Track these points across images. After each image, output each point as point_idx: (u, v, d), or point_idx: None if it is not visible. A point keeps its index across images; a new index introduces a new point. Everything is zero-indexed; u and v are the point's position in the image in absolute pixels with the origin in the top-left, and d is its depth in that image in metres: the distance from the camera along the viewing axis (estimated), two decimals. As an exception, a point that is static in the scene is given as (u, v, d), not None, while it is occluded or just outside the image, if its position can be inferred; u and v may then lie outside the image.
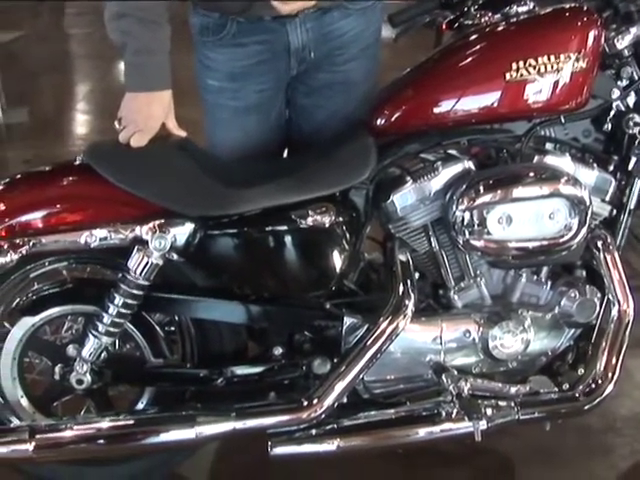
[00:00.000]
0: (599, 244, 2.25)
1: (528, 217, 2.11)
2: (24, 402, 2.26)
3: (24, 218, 2.04)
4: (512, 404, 2.23)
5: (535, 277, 2.30)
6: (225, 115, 2.46)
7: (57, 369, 2.21)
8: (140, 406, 2.30)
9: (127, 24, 2.03)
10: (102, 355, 2.17)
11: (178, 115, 2.17)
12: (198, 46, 2.42)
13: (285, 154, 2.58)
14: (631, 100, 2.27)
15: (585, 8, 2.17)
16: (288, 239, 2.13)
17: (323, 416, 2.10)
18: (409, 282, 2.16)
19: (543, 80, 2.12)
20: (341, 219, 2.14)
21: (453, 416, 2.17)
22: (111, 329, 2.12)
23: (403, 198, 2.17)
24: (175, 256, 2.08)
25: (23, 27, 9.37)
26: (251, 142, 2.45)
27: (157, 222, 2.03)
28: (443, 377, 2.19)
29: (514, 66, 2.10)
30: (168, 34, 2.08)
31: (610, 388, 2.27)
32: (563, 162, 2.18)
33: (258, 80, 2.38)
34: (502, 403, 2.22)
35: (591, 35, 2.13)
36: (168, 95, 2.11)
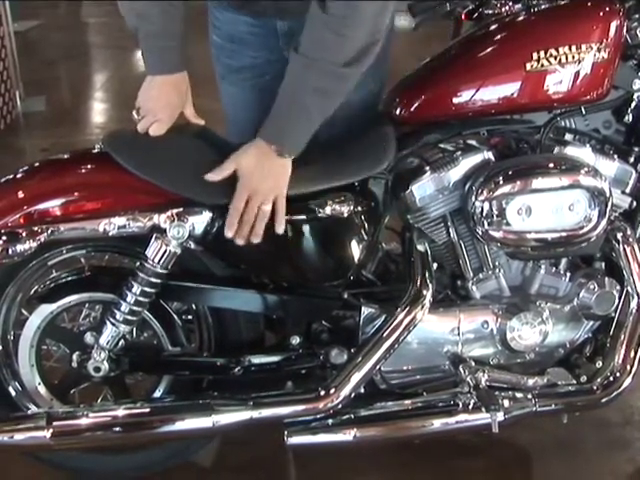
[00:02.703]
0: (619, 236, 2.24)
1: (548, 208, 2.10)
2: (42, 389, 2.27)
3: (42, 206, 2.04)
4: (529, 396, 2.23)
5: (554, 269, 2.29)
6: (222, 70, 2.50)
7: (75, 357, 2.21)
8: (157, 394, 2.31)
9: (141, 6, 2.03)
10: (120, 343, 2.17)
11: (196, 105, 2.17)
12: (209, 4, 2.45)
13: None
14: (652, 91, 2.25)
15: (607, -2, 2.16)
16: (306, 228, 2.12)
17: (340, 406, 2.11)
18: (427, 273, 2.16)
19: (564, 70, 2.11)
20: (360, 209, 2.14)
21: (470, 407, 2.17)
22: (129, 317, 2.13)
23: (422, 188, 2.16)
24: (193, 245, 2.09)
25: (41, 16, 9.38)
26: (247, 99, 2.47)
27: (175, 210, 2.03)
28: (460, 368, 2.19)
29: (535, 56, 2.10)
30: (182, 15, 2.06)
31: (628, 381, 2.27)
32: (583, 153, 2.17)
33: (252, 48, 2.40)
34: (519, 395, 2.23)
35: (613, 25, 2.12)
36: (185, 82, 2.11)
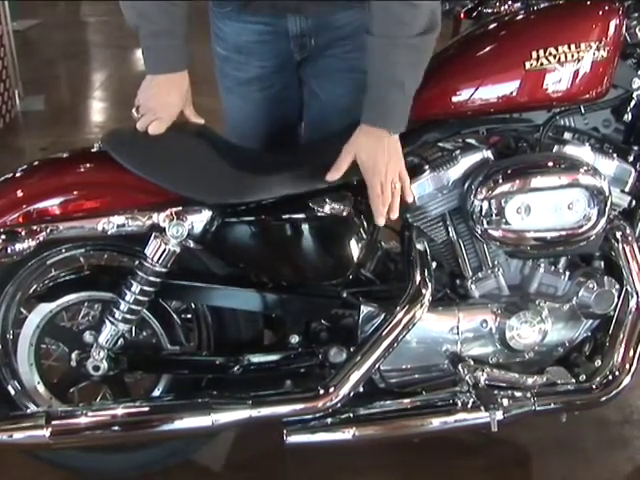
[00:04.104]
0: (618, 235, 2.24)
1: (547, 207, 2.10)
2: (41, 388, 2.27)
3: (41, 205, 2.04)
4: (528, 395, 2.23)
5: (553, 268, 2.29)
6: (229, 83, 2.49)
7: (74, 355, 2.21)
8: (156, 393, 2.30)
9: (142, 5, 2.02)
10: (119, 342, 2.17)
11: (196, 104, 2.17)
12: (211, 14, 2.44)
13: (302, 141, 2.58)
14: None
15: (606, -4, 2.16)
16: (305, 227, 2.12)
17: (339, 405, 2.11)
18: (426, 271, 2.16)
19: (563, 69, 2.11)
20: (359, 208, 2.14)
21: (469, 406, 2.17)
22: (128, 316, 2.12)
23: (421, 187, 2.16)
24: (192, 243, 2.09)
25: (40, 15, 9.40)
26: (256, 111, 2.48)
27: (174, 209, 2.03)
28: (459, 367, 2.19)
29: (534, 55, 2.09)
30: (184, 14, 2.06)
31: (627, 380, 2.26)
32: (582, 152, 2.17)
33: (260, 57, 2.40)
34: (518, 394, 2.23)
35: (612, 24, 2.12)
36: (185, 82, 2.11)
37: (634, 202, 2.28)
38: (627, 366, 2.26)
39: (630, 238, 2.24)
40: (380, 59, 2.00)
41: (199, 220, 2.05)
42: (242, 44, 2.39)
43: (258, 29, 2.35)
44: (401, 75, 1.99)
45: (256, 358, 2.24)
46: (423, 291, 2.12)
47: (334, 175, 2.06)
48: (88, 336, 2.20)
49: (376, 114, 2.04)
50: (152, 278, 2.08)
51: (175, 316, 2.27)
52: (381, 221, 2.09)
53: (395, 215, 2.09)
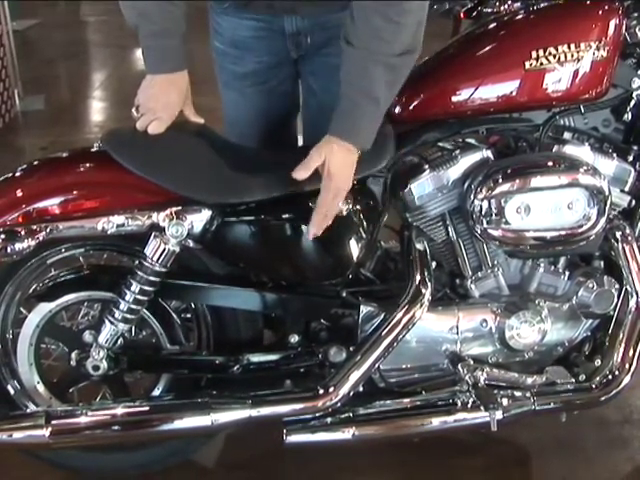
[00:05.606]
0: (618, 235, 2.24)
1: (546, 207, 2.10)
2: (40, 388, 2.27)
3: (41, 204, 2.03)
4: (528, 394, 2.23)
5: (553, 267, 2.29)
6: (226, 78, 2.51)
7: (73, 355, 2.21)
8: (156, 393, 2.30)
9: (142, 5, 2.02)
10: (118, 341, 2.17)
11: (196, 104, 2.17)
12: (210, 10, 2.46)
13: (301, 141, 2.59)
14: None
15: (606, -4, 2.16)
16: (305, 227, 2.11)
17: (339, 405, 2.11)
18: (426, 271, 2.16)
19: (563, 69, 2.11)
20: (358, 207, 2.14)
21: (469, 406, 2.17)
22: (128, 316, 2.12)
23: (421, 187, 2.16)
24: (192, 243, 2.09)
25: (40, 15, 9.40)
26: (252, 106, 2.49)
27: (174, 209, 2.03)
28: (459, 367, 2.19)
29: (534, 55, 2.10)
30: (183, 13, 2.06)
31: (627, 379, 2.26)
32: (582, 152, 2.18)
33: (257, 52, 2.42)
34: (518, 393, 2.23)
35: (612, 24, 2.12)
36: (185, 81, 2.11)
37: (634, 202, 2.28)
38: (627, 366, 2.26)
39: (630, 238, 2.24)
40: (357, 71, 1.95)
41: (199, 220, 2.05)
42: (238, 39, 2.40)
43: (254, 25, 2.37)
44: (377, 91, 1.96)
45: (256, 358, 2.24)
46: (423, 291, 2.12)
47: (302, 174, 2.00)
48: (88, 336, 2.19)
49: (347, 127, 1.99)
50: (152, 278, 2.08)
51: (175, 316, 2.27)
52: (318, 233, 2.06)
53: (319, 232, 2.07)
